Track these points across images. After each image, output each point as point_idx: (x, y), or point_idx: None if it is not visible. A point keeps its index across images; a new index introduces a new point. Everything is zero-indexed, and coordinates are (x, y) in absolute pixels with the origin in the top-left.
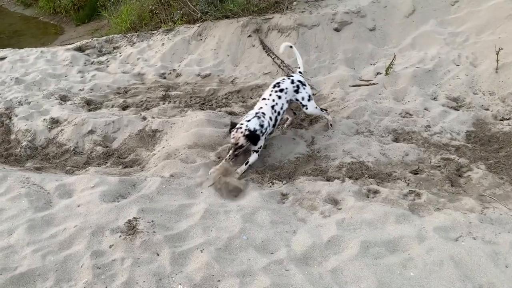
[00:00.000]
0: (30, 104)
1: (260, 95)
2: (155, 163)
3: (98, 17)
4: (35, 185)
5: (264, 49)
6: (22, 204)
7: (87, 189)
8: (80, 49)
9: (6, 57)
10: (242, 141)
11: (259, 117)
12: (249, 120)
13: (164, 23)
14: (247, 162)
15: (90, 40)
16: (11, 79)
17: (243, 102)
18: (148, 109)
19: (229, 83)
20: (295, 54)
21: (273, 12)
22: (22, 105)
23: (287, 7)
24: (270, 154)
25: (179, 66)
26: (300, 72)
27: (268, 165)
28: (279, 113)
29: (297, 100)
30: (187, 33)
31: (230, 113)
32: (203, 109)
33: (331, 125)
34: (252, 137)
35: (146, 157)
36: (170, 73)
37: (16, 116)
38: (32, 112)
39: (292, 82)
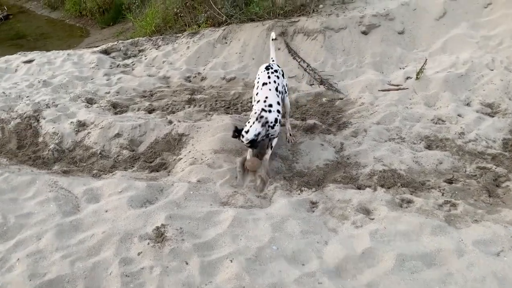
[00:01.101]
0: (58, 106)
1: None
2: (181, 167)
3: (123, 19)
4: (63, 189)
5: (289, 52)
6: (50, 209)
7: (114, 194)
8: (105, 51)
9: (34, 60)
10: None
11: (259, 121)
12: (247, 131)
13: (188, 26)
14: (271, 146)
15: (115, 43)
16: (39, 82)
17: None
18: (173, 112)
19: (253, 87)
20: (270, 48)
21: (299, 15)
22: (49, 107)
23: (314, 10)
24: (298, 160)
25: (204, 69)
26: (273, 61)
27: (296, 172)
28: (282, 92)
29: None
30: (212, 36)
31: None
32: (228, 113)
33: (290, 134)
34: (253, 142)
35: (172, 161)
36: (195, 76)
37: (44, 118)
38: (59, 115)
39: (276, 70)
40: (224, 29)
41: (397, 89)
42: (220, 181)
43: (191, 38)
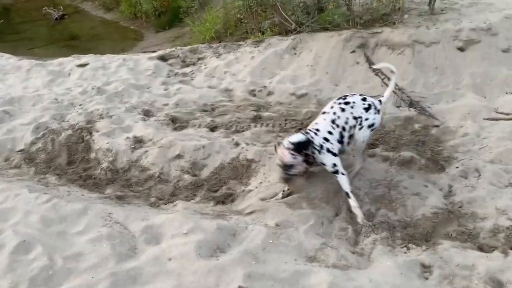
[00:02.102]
0: (112, 118)
1: None
2: (253, 203)
3: (180, 24)
4: (118, 224)
5: (370, 67)
6: (104, 250)
7: (178, 235)
8: (163, 58)
9: (88, 64)
10: (288, 158)
11: (303, 134)
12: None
13: (250, 33)
14: (347, 194)
15: (173, 49)
16: (93, 88)
17: None
18: (238, 131)
19: None
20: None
21: (382, 26)
22: (103, 118)
23: (399, 21)
24: (397, 204)
25: (270, 82)
26: (379, 101)
27: (396, 220)
28: (344, 129)
29: (360, 118)
30: (280, 45)
31: None
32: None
33: (355, 173)
34: (299, 147)
35: (240, 192)
36: (261, 90)
37: (97, 131)
38: (114, 128)
39: (364, 99)
40: (293, 38)
41: (510, 119)
42: (303, 226)
43: (255, 47)
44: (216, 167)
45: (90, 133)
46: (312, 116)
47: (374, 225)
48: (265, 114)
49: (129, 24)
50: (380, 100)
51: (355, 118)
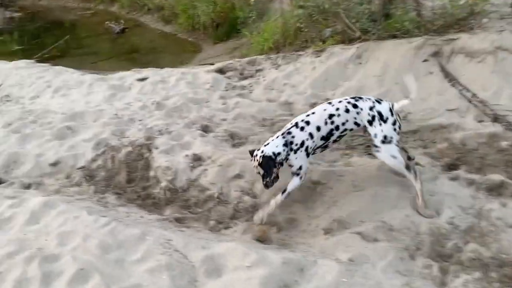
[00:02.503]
0: (171, 134)
1: (446, 138)
2: (320, 232)
3: (237, 34)
4: (177, 252)
5: (446, 77)
6: (163, 282)
7: (241, 268)
8: (221, 71)
9: (147, 78)
10: (259, 169)
11: (283, 137)
12: (265, 145)
13: (311, 42)
14: (284, 190)
15: (231, 61)
16: (152, 103)
17: (424, 148)
18: None
19: (400, 119)
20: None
21: (457, 31)
22: (162, 134)
23: (477, 26)
24: (489, 238)
25: (333, 94)
26: (392, 106)
27: (489, 257)
28: (337, 128)
29: (369, 134)
30: (343, 55)
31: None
32: (370, 154)
33: (422, 200)
34: (265, 163)
35: (305, 218)
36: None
37: (157, 148)
38: (173, 145)
39: (371, 108)
40: (358, 47)
41: None
42: (380, 262)
43: (316, 57)
44: (278, 189)
45: (150, 150)
46: None
47: (463, 263)
48: None
49: (187, 36)
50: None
51: (356, 124)
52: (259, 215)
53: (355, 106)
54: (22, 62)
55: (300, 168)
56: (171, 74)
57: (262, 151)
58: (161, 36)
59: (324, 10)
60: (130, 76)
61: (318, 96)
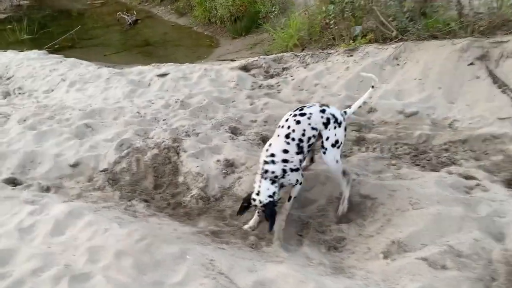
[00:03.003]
0: (199, 136)
1: (500, 150)
2: (377, 256)
3: (257, 29)
4: (222, 276)
5: (495, 83)
6: None
7: None
8: (245, 68)
9: (168, 74)
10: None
11: (265, 178)
12: (258, 193)
13: (339, 40)
14: (290, 198)
15: (256, 58)
16: (176, 102)
17: (476, 159)
18: (346, 157)
19: (445, 127)
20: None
21: (507, 33)
22: (189, 136)
23: None
24: None
25: (370, 98)
26: (345, 112)
27: None
28: (300, 140)
29: (321, 136)
30: (379, 55)
31: (466, 177)
32: (419, 165)
33: (346, 202)
34: (270, 211)
35: (356, 237)
36: (360, 106)
37: (185, 152)
38: (202, 149)
39: (323, 111)
40: (395, 47)
41: None
42: None
43: (349, 56)
44: (321, 202)
45: (177, 153)
46: (427, 140)
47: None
48: (370, 135)
49: (203, 29)
50: (345, 111)
51: (313, 128)
52: (276, 236)
53: (302, 115)
54: (33, 53)
55: (297, 180)
56: (193, 70)
57: (260, 201)
58: (175, 28)
59: (358, 7)
60: (149, 71)
61: (354, 98)
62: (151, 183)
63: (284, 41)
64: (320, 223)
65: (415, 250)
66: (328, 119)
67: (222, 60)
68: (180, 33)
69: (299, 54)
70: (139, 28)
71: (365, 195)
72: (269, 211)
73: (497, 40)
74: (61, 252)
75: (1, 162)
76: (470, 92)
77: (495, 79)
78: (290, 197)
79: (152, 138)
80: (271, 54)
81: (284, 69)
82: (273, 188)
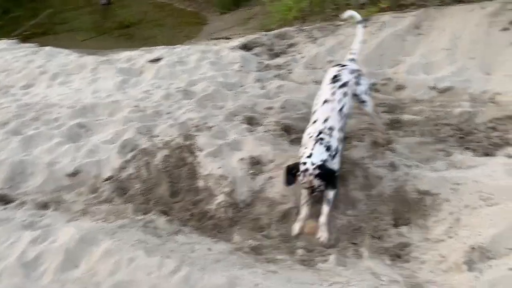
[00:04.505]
0: (212, 130)
1: None
2: (459, 267)
3: (248, 3)
4: None
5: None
6: None
7: None
8: (245, 47)
9: (161, 58)
10: (316, 183)
11: (320, 143)
12: (310, 155)
13: (344, 10)
14: (328, 201)
15: (257, 35)
16: (177, 91)
17: None
18: (385, 144)
19: (486, 101)
20: (357, 34)
21: None
22: (201, 131)
23: None
24: None
25: (394, 73)
26: (352, 60)
27: None
28: (346, 116)
29: (356, 95)
30: (398, 25)
31: None
32: (469, 148)
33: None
34: (327, 174)
35: (421, 243)
36: (385, 83)
37: (201, 150)
38: (220, 145)
39: (352, 71)
40: (415, 15)
41: None
42: None
43: (364, 28)
44: (374, 202)
45: (192, 153)
46: (469, 118)
47: None
48: (405, 117)
49: (184, 6)
50: (352, 59)
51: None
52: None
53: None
54: (2, 43)
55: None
56: (189, 53)
57: (313, 163)
58: (154, 6)
59: None
60: (139, 56)
61: (376, 74)
62: (166, 190)
63: (282, 14)
64: (375, 227)
65: (500, 257)
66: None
67: (216, 39)
68: (161, 12)
69: (305, 28)
70: (114, 8)
71: (424, 191)
72: (325, 170)
73: None
74: None
75: None
76: (508, 61)
77: None
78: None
79: (158, 136)
80: (271, 30)
81: (290, 45)
82: (326, 155)
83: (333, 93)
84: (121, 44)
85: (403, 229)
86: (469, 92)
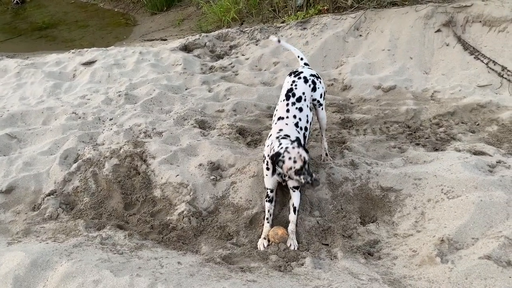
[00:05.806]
0: (163, 136)
1: (491, 119)
2: (432, 259)
3: (180, 3)
4: None
5: (466, 49)
6: None
7: None
8: (186, 48)
9: (96, 61)
10: (305, 153)
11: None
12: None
13: (282, 12)
14: (295, 209)
15: (198, 36)
16: (119, 95)
17: (472, 132)
18: (341, 143)
19: (428, 99)
20: (287, 48)
21: None
22: (150, 137)
23: None
24: None
25: (339, 73)
26: (306, 64)
27: None
28: (306, 129)
29: (314, 100)
30: (338, 27)
31: (476, 153)
32: (419, 144)
33: (326, 154)
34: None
35: (390, 239)
36: (332, 84)
37: (154, 157)
38: (174, 151)
39: (306, 80)
40: (354, 17)
41: None
42: None
43: (302, 29)
44: (340, 201)
45: (145, 161)
46: (414, 116)
47: None
48: (355, 116)
49: (111, 6)
50: (305, 63)
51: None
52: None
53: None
54: None
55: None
56: (125, 55)
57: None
58: (76, 7)
59: None
60: (70, 59)
61: (322, 75)
62: (119, 202)
63: (218, 16)
64: (344, 227)
65: (467, 247)
66: (314, 81)
67: (150, 40)
68: (85, 12)
69: (246, 29)
70: (29, 8)
71: (386, 188)
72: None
73: (460, 5)
74: None
75: None
76: (443, 61)
77: (465, 45)
78: (294, 208)
79: (104, 144)
80: (209, 31)
81: (232, 47)
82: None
83: (288, 111)
84: (42, 46)
85: (371, 226)
86: (411, 91)
